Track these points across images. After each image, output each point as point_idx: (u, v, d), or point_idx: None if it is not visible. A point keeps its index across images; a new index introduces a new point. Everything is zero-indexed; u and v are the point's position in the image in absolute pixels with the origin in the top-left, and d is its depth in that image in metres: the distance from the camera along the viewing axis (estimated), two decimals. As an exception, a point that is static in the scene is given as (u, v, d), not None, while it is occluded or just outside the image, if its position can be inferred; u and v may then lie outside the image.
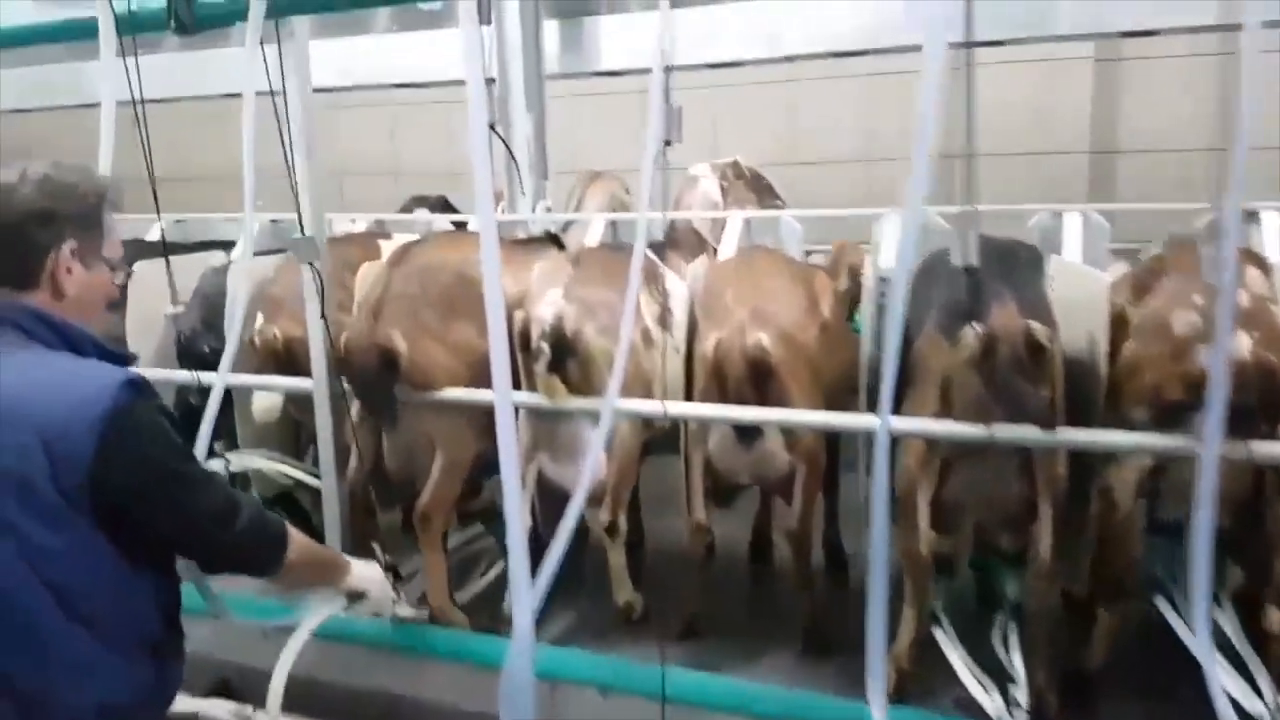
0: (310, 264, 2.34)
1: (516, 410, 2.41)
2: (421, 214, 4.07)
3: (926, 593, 2.18)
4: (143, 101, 2.30)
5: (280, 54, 2.28)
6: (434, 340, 2.42)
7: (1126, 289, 2.22)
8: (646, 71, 4.03)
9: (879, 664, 1.80)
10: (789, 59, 3.88)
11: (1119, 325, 2.14)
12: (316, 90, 2.49)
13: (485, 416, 2.28)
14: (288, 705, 2.17)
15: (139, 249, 3.27)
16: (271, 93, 2.23)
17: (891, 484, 2.18)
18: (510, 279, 2.56)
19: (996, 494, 2.11)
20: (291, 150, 2.36)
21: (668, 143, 1.92)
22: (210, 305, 2.96)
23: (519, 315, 2.36)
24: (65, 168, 1.67)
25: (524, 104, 3.68)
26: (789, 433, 2.36)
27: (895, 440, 2.24)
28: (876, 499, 1.78)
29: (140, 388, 1.59)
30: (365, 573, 2.12)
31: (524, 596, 1.82)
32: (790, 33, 3.79)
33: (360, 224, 3.77)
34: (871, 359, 2.40)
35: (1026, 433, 1.90)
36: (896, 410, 2.07)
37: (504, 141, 2.05)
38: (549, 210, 3.68)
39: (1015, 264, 2.18)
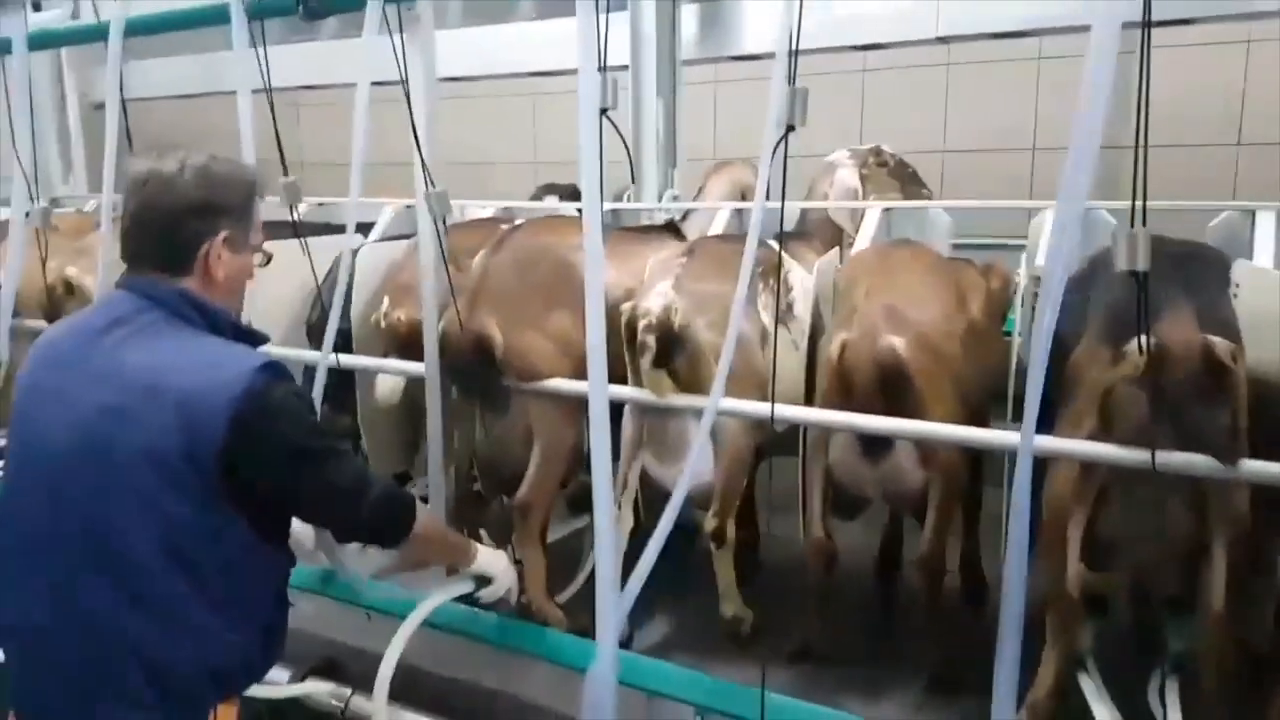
0: (440, 219, 2.31)
1: (620, 406, 2.30)
2: (551, 202, 3.98)
3: (1072, 635, 1.92)
4: (269, 90, 2.33)
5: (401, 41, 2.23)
6: (533, 329, 2.31)
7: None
8: (790, 55, 3.89)
9: (1007, 709, 1.57)
10: (943, 40, 3.60)
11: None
12: (453, 79, 2.43)
13: (585, 408, 2.17)
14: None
15: (273, 231, 3.31)
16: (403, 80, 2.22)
17: (1038, 510, 1.96)
18: (620, 269, 2.44)
19: (1161, 530, 1.84)
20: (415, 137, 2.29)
21: (790, 128, 1.73)
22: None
23: (625, 307, 2.22)
24: (221, 160, 1.79)
25: (654, 90, 3.54)
26: (923, 446, 2.15)
27: (1041, 461, 2.03)
28: (1014, 525, 1.56)
29: (275, 371, 1.69)
30: (492, 558, 2.18)
31: (609, 600, 1.72)
32: (946, 13, 3.52)
33: (489, 211, 3.70)
34: (1023, 367, 2.16)
35: (1197, 462, 1.63)
36: (1048, 427, 1.85)
37: (615, 128, 1.91)
38: (675, 199, 3.53)
39: (1195, 269, 1.90)
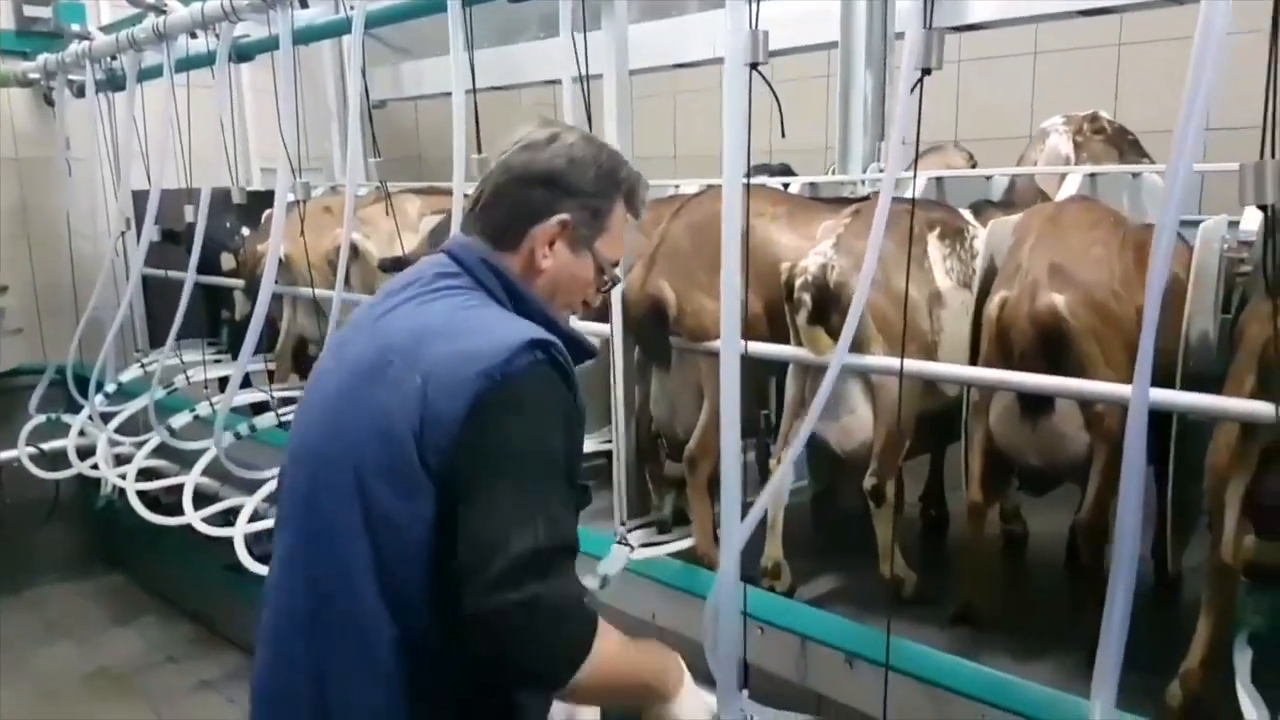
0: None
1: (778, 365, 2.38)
2: (759, 179, 4.09)
3: (1229, 605, 1.83)
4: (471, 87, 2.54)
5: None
6: (702, 291, 2.45)
7: None
8: (1022, 22, 3.77)
9: (1110, 669, 1.55)
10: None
11: None
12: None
13: (750, 367, 2.30)
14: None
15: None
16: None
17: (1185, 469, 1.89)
18: (799, 234, 2.54)
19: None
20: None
21: (927, 71, 1.76)
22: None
23: (784, 266, 2.31)
24: (597, 142, 1.59)
25: (863, 62, 3.56)
26: (1086, 408, 2.09)
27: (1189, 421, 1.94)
28: (1128, 482, 1.53)
29: (548, 352, 1.38)
30: (691, 710, 1.54)
31: (734, 538, 1.82)
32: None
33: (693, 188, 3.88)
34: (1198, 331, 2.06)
35: None
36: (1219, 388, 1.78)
37: (766, 82, 1.99)
38: (881, 171, 3.53)
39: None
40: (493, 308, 1.48)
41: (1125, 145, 3.17)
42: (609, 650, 1.35)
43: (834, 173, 3.61)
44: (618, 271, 1.60)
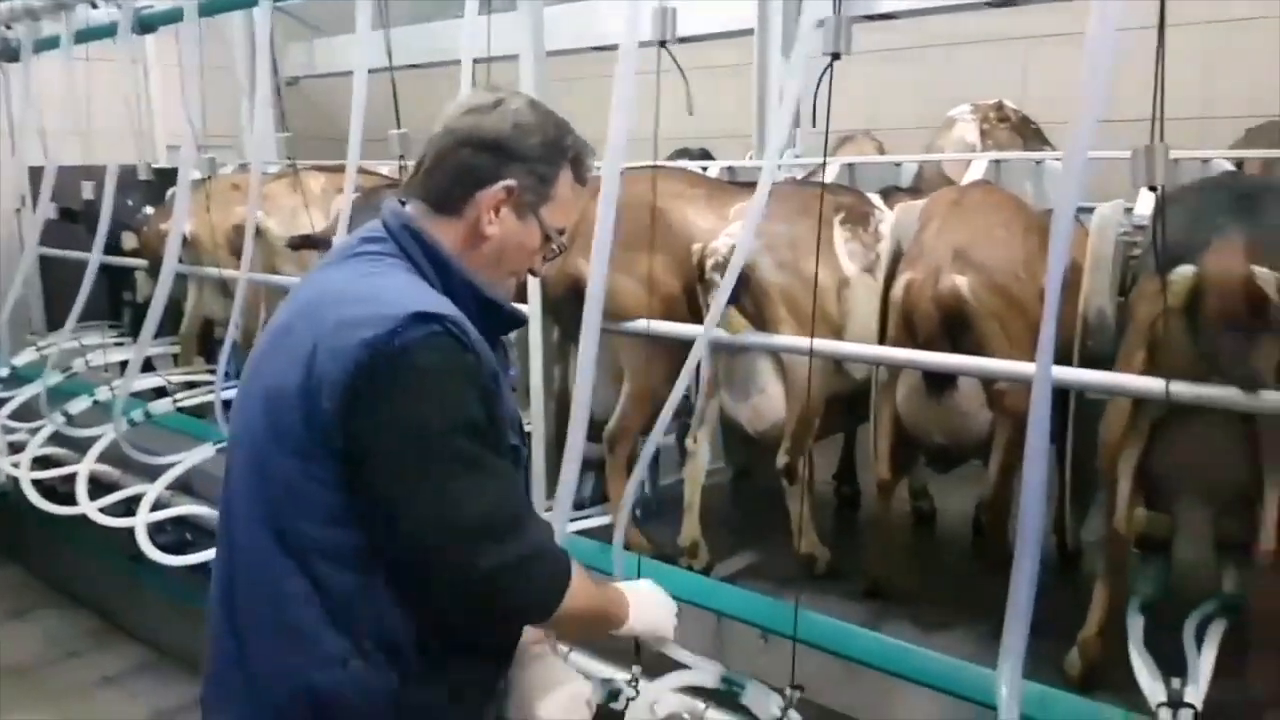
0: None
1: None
2: (681, 164, 4.11)
3: (1122, 575, 1.91)
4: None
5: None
6: (621, 271, 2.45)
7: None
8: (931, 13, 3.85)
9: (1017, 639, 1.60)
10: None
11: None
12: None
13: (670, 348, 2.32)
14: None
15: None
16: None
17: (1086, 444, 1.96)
18: (715, 216, 2.56)
19: (1215, 469, 1.80)
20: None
21: (836, 56, 1.79)
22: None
23: (695, 248, 2.33)
24: (543, 109, 1.53)
25: (779, 49, 3.60)
26: (989, 386, 2.16)
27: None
28: (1031, 458, 1.58)
29: (437, 324, 1.33)
30: (649, 609, 1.68)
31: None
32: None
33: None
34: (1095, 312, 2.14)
35: (1214, 393, 1.60)
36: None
37: (674, 60, 2.00)
38: (798, 158, 3.59)
39: (1264, 204, 1.83)
40: (398, 275, 1.43)
41: (1029, 134, 3.27)
42: (581, 581, 1.47)
43: (753, 158, 3.64)
44: (564, 239, 1.57)
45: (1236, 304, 1.60)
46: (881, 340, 2.29)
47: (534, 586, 1.39)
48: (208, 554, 3.06)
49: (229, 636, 1.42)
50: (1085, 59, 1.43)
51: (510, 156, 1.47)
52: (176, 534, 3.36)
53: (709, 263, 2.28)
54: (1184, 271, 1.65)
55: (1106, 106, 1.49)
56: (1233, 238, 1.66)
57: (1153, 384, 1.66)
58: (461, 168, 1.47)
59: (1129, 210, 2.30)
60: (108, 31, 3.56)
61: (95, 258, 3.73)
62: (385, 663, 1.37)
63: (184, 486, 3.44)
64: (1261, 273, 1.60)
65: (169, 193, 3.85)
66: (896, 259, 2.34)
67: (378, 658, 1.37)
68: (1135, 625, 1.89)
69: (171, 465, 3.37)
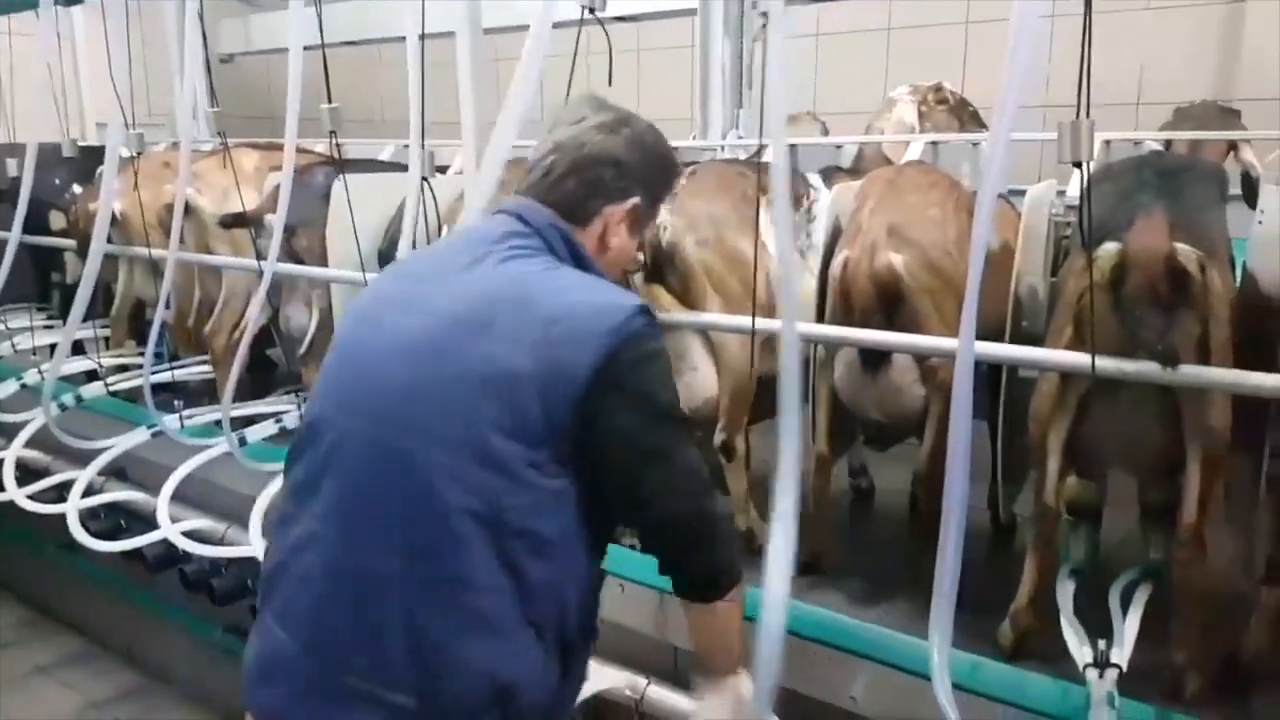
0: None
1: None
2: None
3: (1052, 545, 1.95)
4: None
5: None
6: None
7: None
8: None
9: (945, 610, 1.63)
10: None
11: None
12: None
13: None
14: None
15: (370, 168, 3.58)
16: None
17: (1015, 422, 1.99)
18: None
19: (1138, 441, 1.85)
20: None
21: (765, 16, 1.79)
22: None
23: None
24: (657, 132, 1.65)
25: (721, 30, 3.61)
26: (922, 362, 2.19)
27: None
28: (957, 434, 1.60)
29: (651, 315, 1.48)
30: (742, 694, 1.59)
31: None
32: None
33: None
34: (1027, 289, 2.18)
35: (1132, 369, 1.64)
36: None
37: (608, 39, 1.98)
38: (740, 139, 3.60)
39: (1185, 182, 1.88)
40: (577, 272, 1.53)
41: (966, 116, 3.33)
42: (739, 598, 1.51)
43: (695, 139, 3.65)
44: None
45: (1159, 280, 1.64)
46: (820, 318, 2.31)
47: (727, 549, 1.50)
48: (142, 540, 3.01)
49: (399, 615, 1.38)
50: (1009, 39, 1.44)
51: (634, 178, 1.59)
52: (110, 520, 3.29)
53: (633, 243, 2.28)
54: (1109, 248, 1.68)
55: (1030, 87, 1.51)
56: (1156, 215, 1.70)
57: (1077, 359, 1.69)
58: (594, 181, 1.57)
59: (1061, 193, 2.35)
60: (30, 3, 3.44)
61: (15, 236, 3.61)
62: (557, 655, 1.44)
63: (117, 472, 3.37)
64: (1183, 249, 1.64)
65: (98, 171, 3.75)
66: (835, 238, 2.36)
67: (553, 650, 1.43)
68: (1065, 593, 1.94)
69: (104, 450, 3.30)
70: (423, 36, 2.40)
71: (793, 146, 3.26)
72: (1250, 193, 2.43)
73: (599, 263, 1.59)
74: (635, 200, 1.59)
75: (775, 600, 1.47)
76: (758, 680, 1.49)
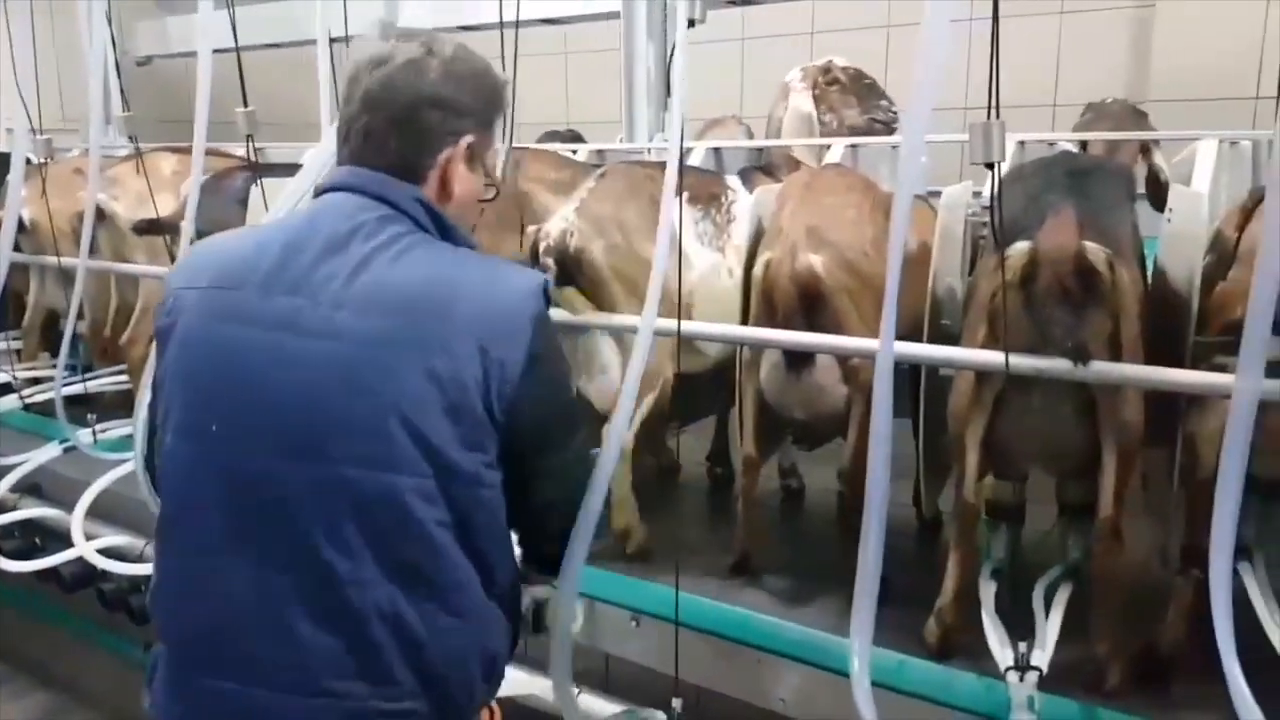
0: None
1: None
2: (553, 146, 4.09)
3: (973, 543, 1.98)
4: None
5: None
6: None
7: (1236, 217, 1.91)
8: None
9: (866, 608, 1.64)
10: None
11: (1220, 256, 1.85)
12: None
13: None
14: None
15: (292, 172, 3.49)
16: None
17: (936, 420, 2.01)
18: (565, 197, 2.55)
19: (1058, 438, 1.88)
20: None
21: (692, 23, 1.79)
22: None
23: (530, 230, 2.32)
24: (470, 52, 1.48)
25: (645, 33, 3.60)
26: (844, 363, 2.21)
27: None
28: (877, 432, 1.62)
29: (550, 293, 1.45)
30: None
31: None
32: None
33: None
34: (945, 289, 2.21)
35: (1046, 366, 1.67)
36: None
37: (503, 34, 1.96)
38: (666, 142, 3.59)
39: (1094, 182, 1.92)
40: (467, 251, 1.46)
41: (862, 90, 3.19)
42: None
43: (623, 141, 3.64)
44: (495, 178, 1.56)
45: (1068, 278, 1.67)
46: (745, 319, 2.32)
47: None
48: (58, 558, 2.92)
49: (318, 634, 1.35)
50: (920, 42, 1.47)
51: (462, 112, 1.45)
52: (24, 539, 3.18)
53: (541, 246, 2.27)
54: (1020, 247, 1.71)
55: (948, 90, 1.54)
56: (1066, 214, 1.73)
57: (992, 357, 1.72)
58: (425, 133, 1.43)
59: (977, 194, 2.38)
60: (-70, 3, 3.31)
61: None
62: (511, 615, 1.52)
63: (31, 489, 3.26)
64: (1092, 248, 1.68)
65: (6, 179, 3.62)
66: (758, 239, 2.37)
67: (512, 615, 1.52)
68: (988, 592, 1.96)
69: (16, 466, 3.19)
70: (345, 40, 2.36)
71: (717, 150, 3.28)
72: (1157, 194, 2.49)
73: (449, 213, 1.47)
74: (468, 139, 1.45)
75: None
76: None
